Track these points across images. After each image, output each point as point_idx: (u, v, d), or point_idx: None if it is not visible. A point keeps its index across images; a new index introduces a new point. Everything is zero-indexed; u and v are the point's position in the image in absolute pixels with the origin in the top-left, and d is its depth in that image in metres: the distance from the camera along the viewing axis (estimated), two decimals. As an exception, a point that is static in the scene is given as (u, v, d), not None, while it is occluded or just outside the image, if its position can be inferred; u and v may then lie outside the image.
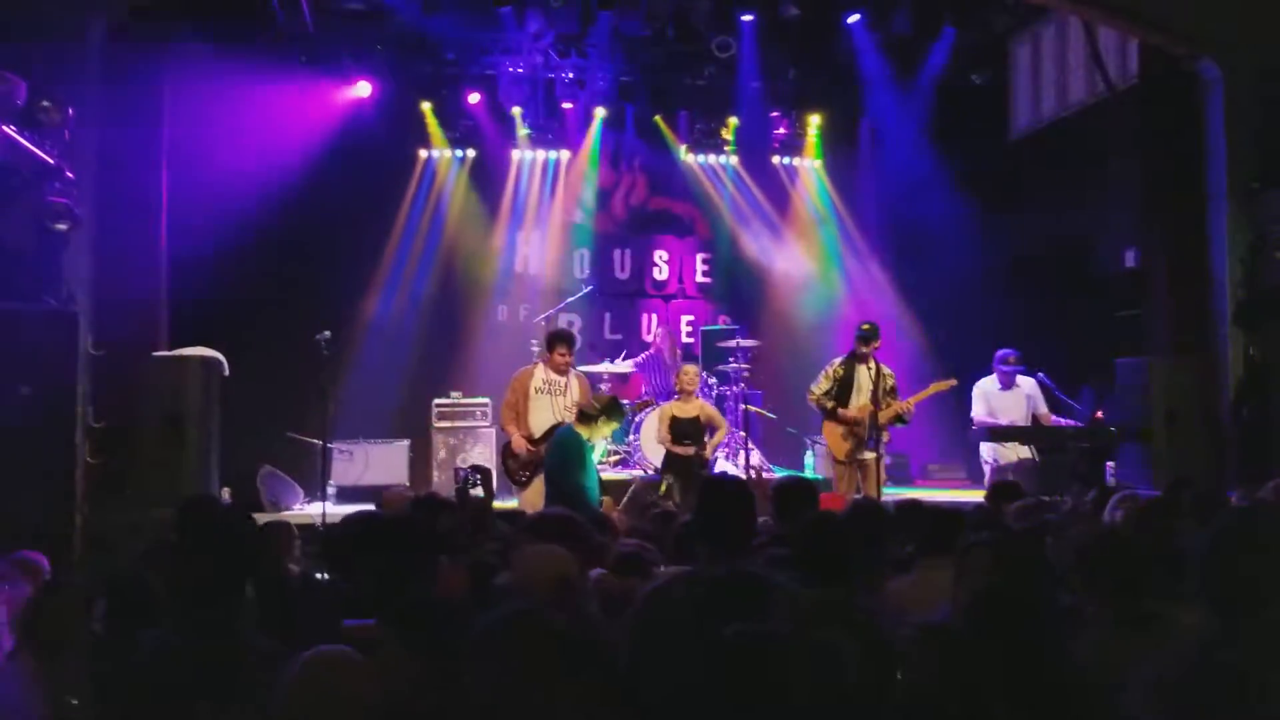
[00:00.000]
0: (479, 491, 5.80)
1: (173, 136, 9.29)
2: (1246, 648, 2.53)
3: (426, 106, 11.42)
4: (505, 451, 8.11)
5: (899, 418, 8.41)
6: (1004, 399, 8.81)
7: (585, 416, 7.01)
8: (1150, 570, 3.15)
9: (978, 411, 8.86)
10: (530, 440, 7.95)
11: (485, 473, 5.92)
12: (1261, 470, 7.40)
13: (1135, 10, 8.86)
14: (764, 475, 9.46)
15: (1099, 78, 10.27)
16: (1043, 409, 8.77)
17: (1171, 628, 2.98)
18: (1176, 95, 9.00)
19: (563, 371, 8.16)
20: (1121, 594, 3.12)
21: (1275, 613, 2.72)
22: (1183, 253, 8.95)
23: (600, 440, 7.16)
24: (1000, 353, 8.91)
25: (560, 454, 6.91)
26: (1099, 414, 8.66)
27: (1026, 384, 8.81)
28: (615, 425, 7.08)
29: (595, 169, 12.15)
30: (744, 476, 8.76)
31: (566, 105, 11.77)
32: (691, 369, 8.78)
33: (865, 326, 8.63)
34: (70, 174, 7.22)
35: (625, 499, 8.53)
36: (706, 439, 8.39)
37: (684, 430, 8.38)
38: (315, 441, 8.94)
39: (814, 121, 12.38)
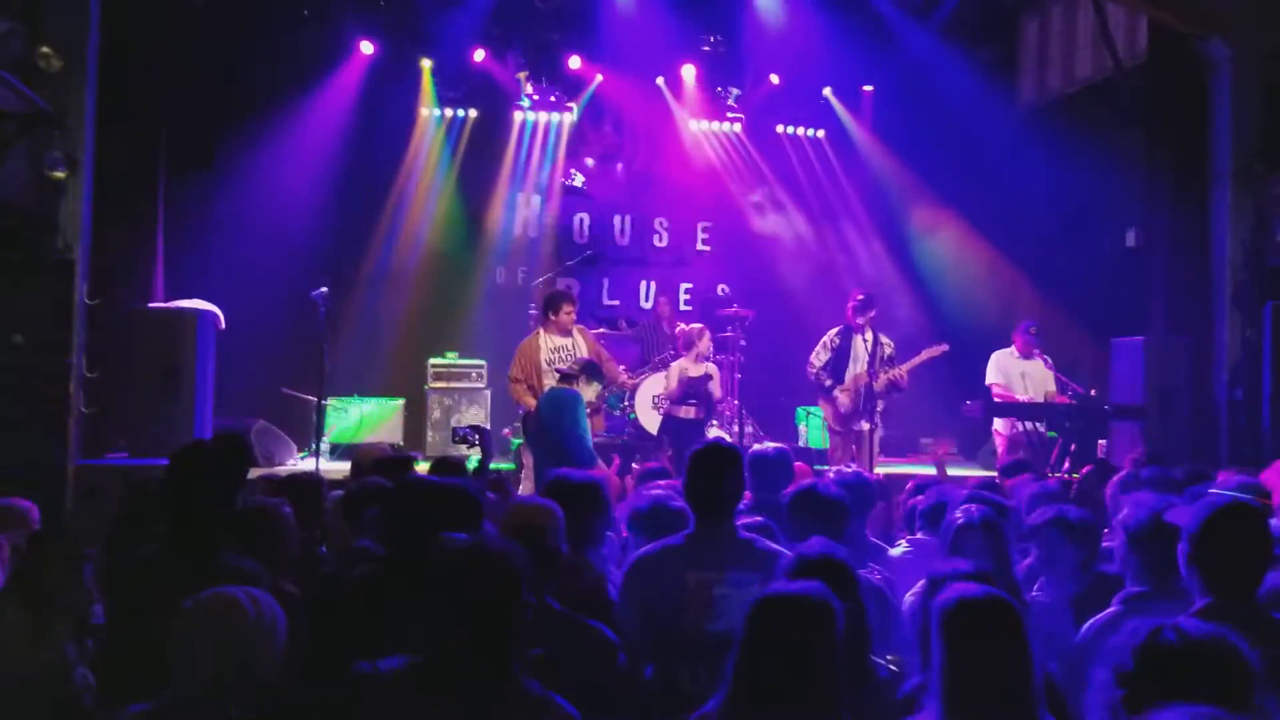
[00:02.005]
0: (476, 451, 5.81)
1: (171, 86, 9.22)
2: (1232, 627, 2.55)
3: (426, 65, 11.31)
4: (527, 420, 8.03)
5: (894, 386, 8.43)
6: (1017, 368, 8.82)
7: (567, 378, 7.08)
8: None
9: (992, 378, 8.88)
10: None
11: (484, 433, 5.92)
12: (1252, 451, 7.43)
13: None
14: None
15: (1107, 54, 10.20)
16: (1052, 387, 8.78)
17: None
18: (1183, 75, 8.95)
19: (567, 332, 8.11)
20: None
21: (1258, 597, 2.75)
22: (1184, 233, 8.94)
23: (589, 399, 7.18)
24: (1022, 323, 8.96)
25: (558, 408, 6.94)
26: (1093, 391, 8.67)
27: (1040, 361, 8.82)
28: (596, 386, 7.14)
29: (575, 131, 12.04)
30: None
31: (572, 65, 11.67)
32: (708, 334, 8.85)
33: (859, 297, 8.64)
34: (69, 121, 7.17)
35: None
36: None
37: (692, 389, 8.43)
38: (310, 398, 8.95)
39: (824, 91, 12.29)
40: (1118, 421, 8.61)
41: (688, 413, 8.46)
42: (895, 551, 4.28)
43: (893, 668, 2.85)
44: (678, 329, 9.73)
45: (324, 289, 8.34)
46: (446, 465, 4.86)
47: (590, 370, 7.07)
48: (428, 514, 3.10)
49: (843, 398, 8.48)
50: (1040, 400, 8.62)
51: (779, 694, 2.30)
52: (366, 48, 10.99)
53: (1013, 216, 11.39)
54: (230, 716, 2.42)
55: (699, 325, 9.06)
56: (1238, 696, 1.73)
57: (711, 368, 8.82)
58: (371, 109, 11.09)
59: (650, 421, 9.80)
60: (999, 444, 8.88)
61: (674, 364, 8.75)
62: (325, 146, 10.70)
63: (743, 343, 10.17)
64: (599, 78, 11.74)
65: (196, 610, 2.52)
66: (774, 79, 11.99)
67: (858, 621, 2.65)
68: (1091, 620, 3.16)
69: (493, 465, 6.33)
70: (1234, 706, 1.71)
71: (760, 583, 3.12)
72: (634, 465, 7.68)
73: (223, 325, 8.50)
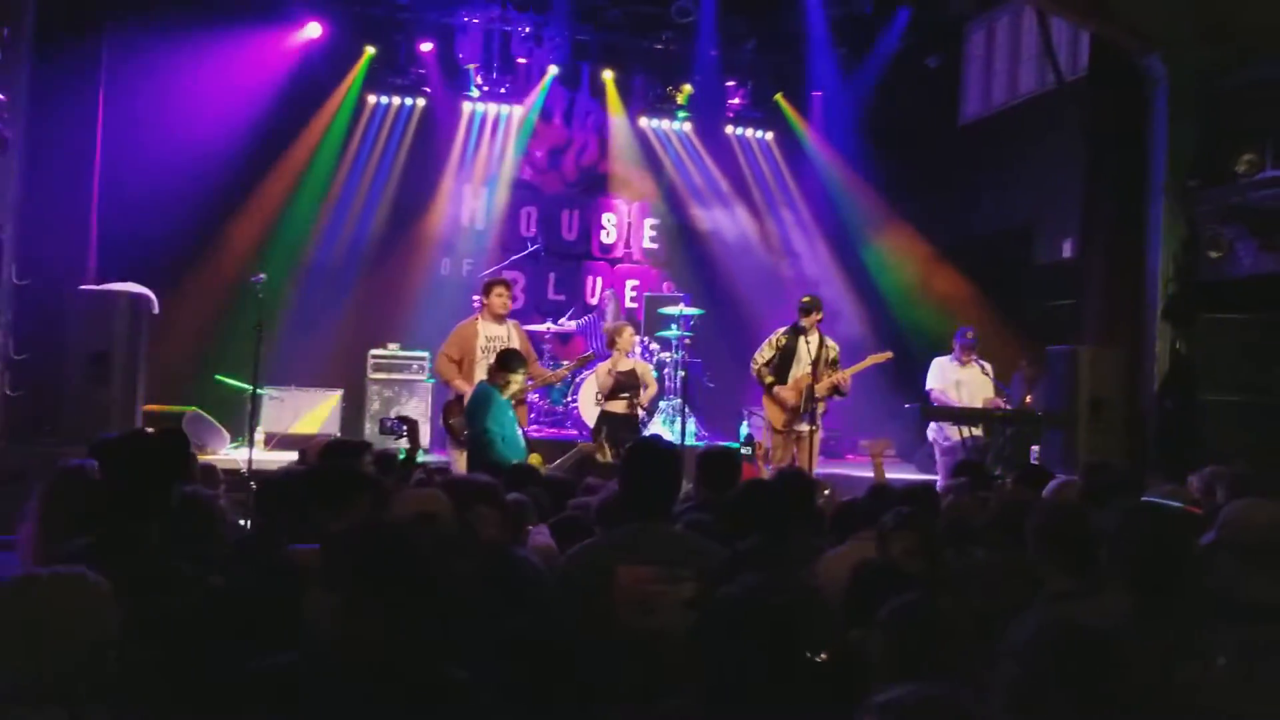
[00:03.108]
0: (404, 443, 5.78)
1: (111, 64, 9.01)
2: (1154, 626, 2.61)
3: (370, 51, 11.17)
4: (449, 408, 7.99)
5: (836, 389, 8.49)
6: (955, 374, 8.93)
7: (489, 369, 7.08)
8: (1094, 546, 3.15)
9: (933, 383, 8.99)
10: None
11: (412, 424, 5.90)
12: (1178, 461, 7.60)
13: (1085, 1, 8.95)
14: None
15: (1050, 68, 10.38)
16: (990, 393, 8.90)
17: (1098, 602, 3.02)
18: (1123, 90, 9.13)
19: (501, 320, 8.09)
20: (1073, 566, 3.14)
21: (1186, 597, 2.82)
22: (1119, 245, 9.11)
23: (513, 392, 7.11)
24: (960, 329, 9.06)
25: (470, 405, 6.95)
26: (1029, 399, 8.82)
27: (977, 368, 8.94)
28: (513, 374, 6.99)
29: (530, 127, 11.97)
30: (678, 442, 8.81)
31: (521, 60, 11.62)
32: (630, 329, 8.89)
33: (805, 299, 8.69)
34: (2, 95, 6.98)
35: (567, 461, 8.55)
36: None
37: (624, 383, 8.50)
38: (245, 386, 8.80)
39: (770, 94, 12.37)
40: (1050, 429, 8.76)
41: (620, 407, 8.54)
42: (833, 551, 4.30)
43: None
44: (603, 329, 9.79)
45: (262, 275, 8.21)
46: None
47: (502, 359, 7.01)
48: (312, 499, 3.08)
49: (785, 393, 8.52)
50: (978, 406, 8.76)
51: (764, 692, 2.32)
52: (314, 31, 10.86)
53: (956, 224, 11.56)
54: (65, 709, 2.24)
55: (620, 322, 9.17)
56: (1127, 690, 1.77)
57: (639, 363, 8.88)
58: (317, 94, 10.95)
59: (593, 417, 9.81)
60: (937, 453, 9.00)
61: (601, 364, 8.81)
62: (269, 129, 10.53)
63: (688, 340, 10.20)
64: (552, 70, 11.69)
65: (8, 591, 2.33)
66: (729, 83, 12.06)
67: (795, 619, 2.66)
68: (1016, 621, 3.21)
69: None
70: (1124, 698, 1.76)
71: (695, 580, 3.13)
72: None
73: (156, 309, 8.33)
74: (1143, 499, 4.24)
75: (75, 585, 2.35)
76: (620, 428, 8.46)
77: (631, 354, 9.08)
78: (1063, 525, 3.18)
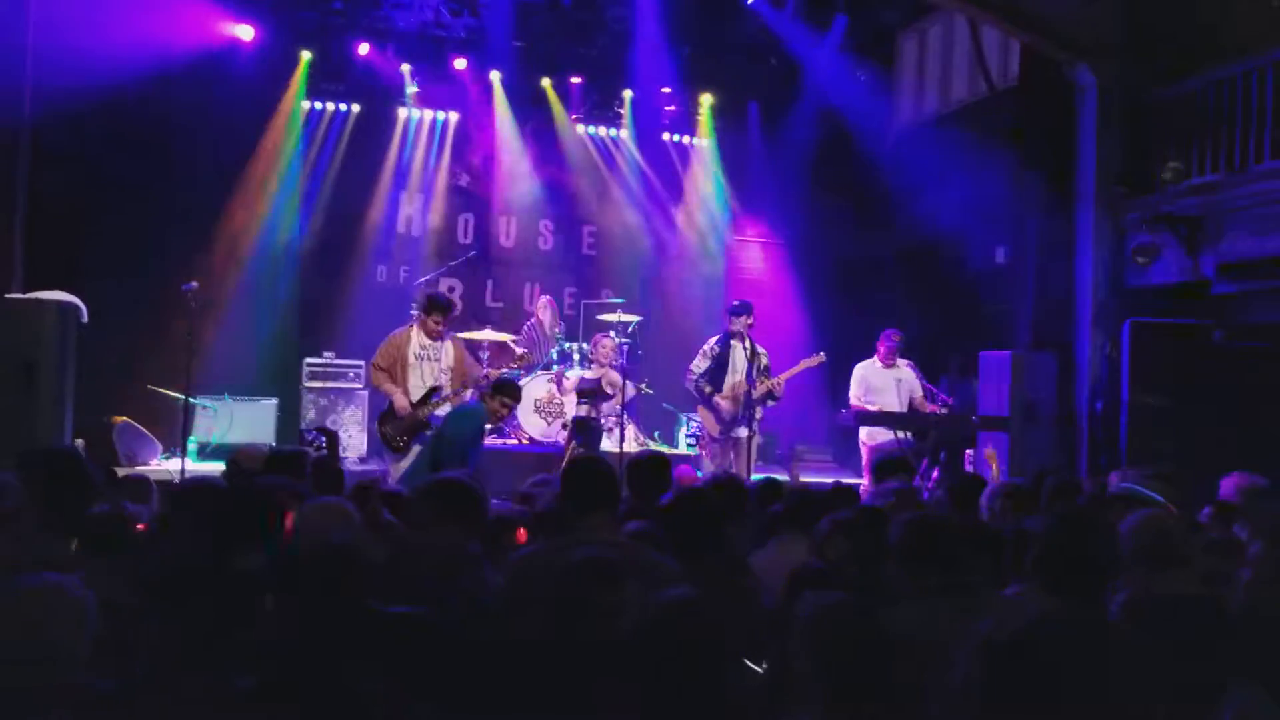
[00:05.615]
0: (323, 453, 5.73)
1: (38, 65, 8.80)
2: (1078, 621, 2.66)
3: (305, 56, 11.04)
4: (384, 417, 7.90)
5: (770, 395, 8.55)
6: (883, 377, 8.96)
7: (483, 394, 7.27)
8: (964, 547, 3.22)
9: (855, 394, 9.01)
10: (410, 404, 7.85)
11: (331, 435, 5.86)
12: (1109, 461, 7.79)
13: (1016, 11, 9.13)
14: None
15: (981, 77, 10.57)
16: (919, 394, 8.99)
17: (991, 600, 3.10)
18: (1053, 99, 9.33)
19: (435, 337, 8.06)
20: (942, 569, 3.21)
21: (1102, 595, 2.89)
22: (1050, 252, 9.31)
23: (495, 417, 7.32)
24: (885, 331, 9.10)
25: (463, 424, 7.01)
26: (950, 400, 8.96)
27: (906, 368, 9.01)
28: (506, 399, 7.20)
29: (459, 126, 11.93)
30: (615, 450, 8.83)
31: (458, 65, 11.56)
32: (609, 342, 9.21)
33: (736, 304, 8.73)
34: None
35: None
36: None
37: (586, 389, 8.64)
38: (177, 396, 8.64)
39: (706, 100, 12.44)
40: (984, 432, 8.89)
41: (583, 410, 8.69)
42: (763, 552, 4.32)
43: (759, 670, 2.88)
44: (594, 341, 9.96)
45: (194, 283, 8.07)
46: (281, 460, 4.73)
47: (496, 386, 7.26)
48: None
49: (724, 403, 8.57)
50: (909, 406, 8.86)
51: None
52: (246, 33, 10.70)
53: (890, 230, 11.70)
54: None
55: (601, 338, 9.37)
56: (1086, 690, 1.80)
57: (608, 373, 8.98)
58: (249, 99, 10.77)
59: (532, 424, 9.80)
60: (865, 454, 9.05)
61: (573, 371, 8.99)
62: (201, 134, 10.35)
63: (626, 348, 10.21)
64: (495, 75, 11.63)
65: None
66: (665, 90, 12.10)
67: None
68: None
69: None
70: (1082, 697, 1.79)
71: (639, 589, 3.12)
72: None
73: (85, 318, 8.14)
74: (1122, 484, 4.33)
75: (55, 596, 2.34)
76: (583, 432, 8.61)
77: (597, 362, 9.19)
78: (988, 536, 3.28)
